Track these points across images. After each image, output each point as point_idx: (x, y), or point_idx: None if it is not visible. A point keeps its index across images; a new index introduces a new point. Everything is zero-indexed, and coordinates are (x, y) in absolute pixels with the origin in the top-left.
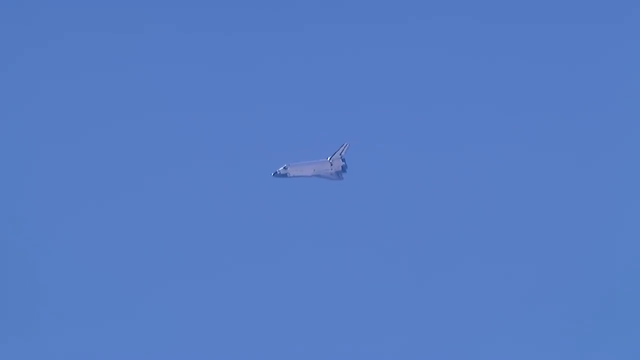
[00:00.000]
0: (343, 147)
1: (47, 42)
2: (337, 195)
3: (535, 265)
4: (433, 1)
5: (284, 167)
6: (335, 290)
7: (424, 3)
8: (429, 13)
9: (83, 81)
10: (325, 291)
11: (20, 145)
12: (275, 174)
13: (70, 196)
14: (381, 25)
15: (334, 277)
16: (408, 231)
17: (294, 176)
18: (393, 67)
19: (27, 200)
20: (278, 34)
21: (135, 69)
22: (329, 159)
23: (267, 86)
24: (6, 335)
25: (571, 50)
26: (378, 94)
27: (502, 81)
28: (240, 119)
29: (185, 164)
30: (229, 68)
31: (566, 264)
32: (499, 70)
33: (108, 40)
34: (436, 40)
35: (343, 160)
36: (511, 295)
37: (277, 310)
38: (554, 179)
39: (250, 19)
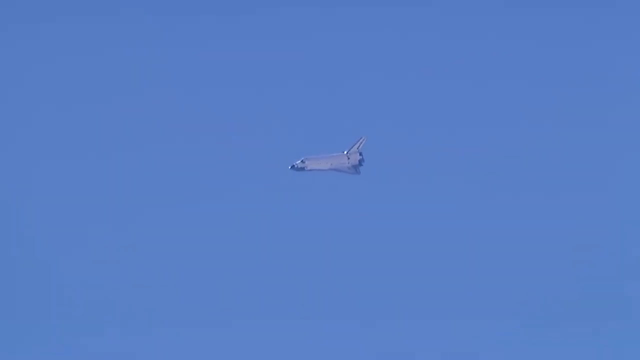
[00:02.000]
0: (360, 141)
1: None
2: (354, 189)
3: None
4: None
5: (302, 161)
6: (350, 283)
7: None
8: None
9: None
10: (339, 284)
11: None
12: (292, 167)
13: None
14: (401, 20)
15: (348, 271)
16: (424, 227)
17: (311, 169)
18: (412, 61)
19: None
20: (290, 26)
21: (141, 58)
22: (345, 152)
23: (285, 80)
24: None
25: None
26: (397, 88)
27: (520, 71)
28: (259, 112)
29: (201, 157)
30: (244, 60)
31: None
32: (519, 59)
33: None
34: (454, 33)
35: (360, 154)
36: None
37: (290, 302)
38: (571, 171)
39: (266, 11)
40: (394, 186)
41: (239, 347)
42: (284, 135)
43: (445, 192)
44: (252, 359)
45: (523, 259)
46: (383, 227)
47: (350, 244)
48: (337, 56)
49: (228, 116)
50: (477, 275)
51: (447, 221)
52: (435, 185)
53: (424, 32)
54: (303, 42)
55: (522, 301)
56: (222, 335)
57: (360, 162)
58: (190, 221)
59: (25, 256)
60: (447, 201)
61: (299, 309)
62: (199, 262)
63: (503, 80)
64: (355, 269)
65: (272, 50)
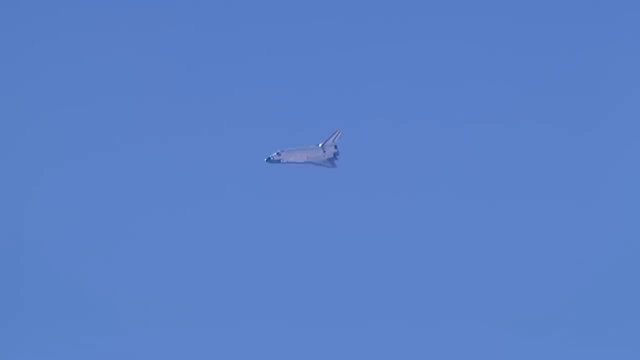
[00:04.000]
0: (336, 133)
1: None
2: (328, 182)
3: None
4: None
5: (278, 153)
6: (325, 277)
7: None
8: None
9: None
10: (315, 277)
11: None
12: (268, 159)
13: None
14: (375, 12)
15: (325, 266)
16: (399, 221)
17: (287, 162)
18: (387, 54)
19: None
20: (273, 18)
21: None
22: (321, 145)
23: (262, 71)
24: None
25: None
26: (373, 80)
27: (494, 65)
28: (236, 104)
29: (177, 149)
30: (225, 54)
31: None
32: (490, 54)
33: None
34: (428, 23)
35: (335, 147)
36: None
37: (267, 297)
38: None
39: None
40: (370, 180)
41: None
42: (260, 127)
43: (423, 186)
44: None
45: (508, 255)
46: (359, 221)
47: (328, 239)
48: (317, 51)
49: (205, 109)
50: (459, 270)
51: (426, 215)
52: (413, 179)
53: (403, 28)
54: (283, 38)
55: (508, 302)
56: (201, 336)
57: (335, 155)
58: (167, 218)
59: (26, 256)
60: (426, 195)
61: (277, 308)
62: (176, 260)
63: (484, 77)
64: (332, 263)
65: (255, 44)
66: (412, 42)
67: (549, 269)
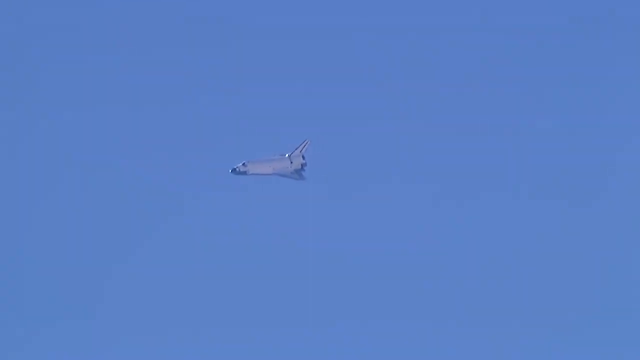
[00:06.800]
0: (304, 144)
1: None
2: (295, 196)
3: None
4: None
5: (243, 164)
6: (295, 296)
7: None
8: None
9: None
10: (284, 296)
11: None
12: (233, 170)
13: None
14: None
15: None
16: (370, 235)
17: (253, 174)
18: (361, 59)
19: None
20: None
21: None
22: (288, 155)
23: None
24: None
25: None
26: (346, 91)
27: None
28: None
29: (143, 158)
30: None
31: None
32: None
33: None
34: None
35: (303, 157)
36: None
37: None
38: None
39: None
40: (341, 193)
41: None
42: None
43: (396, 197)
44: None
45: (484, 268)
46: (328, 236)
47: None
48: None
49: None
50: (439, 287)
51: (401, 229)
52: (385, 190)
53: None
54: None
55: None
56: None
57: (303, 166)
58: (128, 227)
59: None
60: (401, 205)
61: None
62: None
63: (462, 72)
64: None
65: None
66: (399, 42)
67: (551, 270)
